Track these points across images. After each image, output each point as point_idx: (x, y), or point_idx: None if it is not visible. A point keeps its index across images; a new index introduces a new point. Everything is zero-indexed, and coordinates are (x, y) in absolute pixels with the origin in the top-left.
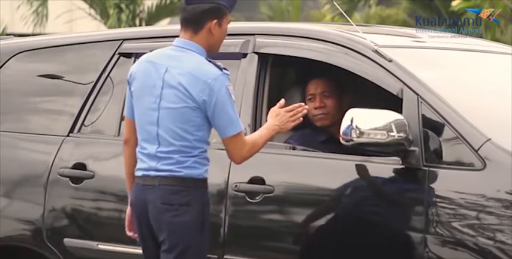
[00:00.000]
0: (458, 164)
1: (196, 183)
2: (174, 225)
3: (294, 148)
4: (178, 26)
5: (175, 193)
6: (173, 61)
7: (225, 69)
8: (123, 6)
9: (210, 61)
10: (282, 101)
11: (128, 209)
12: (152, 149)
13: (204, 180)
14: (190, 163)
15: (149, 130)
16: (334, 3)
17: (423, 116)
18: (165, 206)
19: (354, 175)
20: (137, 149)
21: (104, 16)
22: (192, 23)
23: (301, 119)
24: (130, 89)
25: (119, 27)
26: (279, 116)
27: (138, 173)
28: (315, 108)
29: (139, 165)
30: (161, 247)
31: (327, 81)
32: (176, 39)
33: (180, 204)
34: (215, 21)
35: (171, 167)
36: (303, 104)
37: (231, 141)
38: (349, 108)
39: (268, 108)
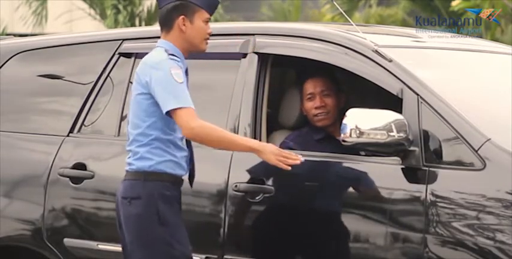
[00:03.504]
0: (458, 164)
1: (147, 175)
2: (127, 218)
3: (290, 148)
4: None
5: (129, 187)
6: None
7: (173, 55)
8: (120, 7)
9: (165, 51)
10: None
11: None
12: (126, 145)
13: (158, 172)
14: (142, 154)
15: (127, 128)
16: (334, 3)
17: (423, 116)
18: (122, 199)
19: (353, 176)
20: None
21: (104, 16)
22: (164, 24)
23: (288, 166)
24: None
25: (116, 28)
26: (275, 151)
27: None
28: (315, 108)
29: None
30: None
31: (325, 80)
32: None
33: (132, 197)
34: (182, 17)
35: (129, 160)
36: (301, 158)
37: (177, 115)
38: (344, 108)
39: (269, 108)
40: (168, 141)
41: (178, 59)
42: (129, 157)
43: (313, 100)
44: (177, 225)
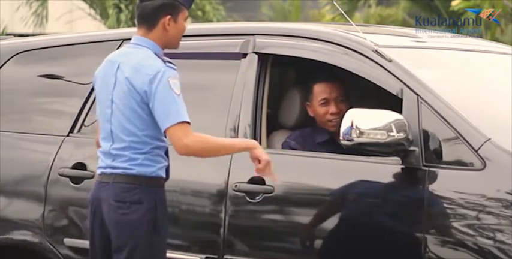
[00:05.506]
0: (458, 164)
1: (149, 181)
2: (123, 223)
3: (291, 148)
4: None
5: (127, 191)
6: (124, 57)
7: (169, 62)
8: (122, 6)
9: (158, 56)
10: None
11: None
12: (107, 147)
13: (158, 178)
14: (142, 161)
15: (105, 127)
16: (334, 3)
17: (423, 116)
18: (117, 204)
19: (353, 176)
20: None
21: (104, 16)
22: (146, 20)
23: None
24: (95, 90)
25: (118, 27)
26: (265, 160)
27: (98, 171)
28: (331, 114)
29: (98, 163)
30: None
31: (340, 86)
32: (133, 36)
33: (132, 202)
34: (169, 17)
35: (124, 165)
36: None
37: (171, 131)
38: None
39: (269, 108)
40: (164, 147)
41: (175, 66)
42: (121, 161)
43: (328, 105)
44: (165, 234)
